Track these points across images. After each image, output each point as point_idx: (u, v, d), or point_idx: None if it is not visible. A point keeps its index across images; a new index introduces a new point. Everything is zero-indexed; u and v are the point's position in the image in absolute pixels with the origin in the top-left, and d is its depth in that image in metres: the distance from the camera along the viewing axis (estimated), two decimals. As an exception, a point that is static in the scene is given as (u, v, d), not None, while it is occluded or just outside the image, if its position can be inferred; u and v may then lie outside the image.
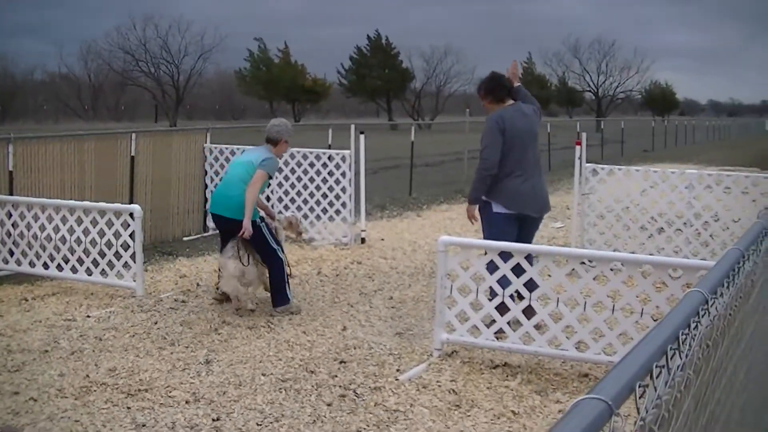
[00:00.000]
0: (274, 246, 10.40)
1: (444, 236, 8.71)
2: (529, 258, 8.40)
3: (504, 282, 8.31)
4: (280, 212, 15.27)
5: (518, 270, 8.22)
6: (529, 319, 8.23)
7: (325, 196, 15.41)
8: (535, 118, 9.87)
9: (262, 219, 10.42)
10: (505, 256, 8.31)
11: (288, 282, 10.47)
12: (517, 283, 8.24)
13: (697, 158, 43.60)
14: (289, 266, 10.56)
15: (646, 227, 13.18)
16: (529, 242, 9.57)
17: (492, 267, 8.35)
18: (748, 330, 4.04)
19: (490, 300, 8.44)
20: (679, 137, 66.16)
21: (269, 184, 14.42)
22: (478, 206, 9.76)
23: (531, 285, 8.23)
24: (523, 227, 9.66)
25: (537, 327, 8.31)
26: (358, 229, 15.41)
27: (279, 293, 10.36)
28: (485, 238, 9.46)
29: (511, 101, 9.79)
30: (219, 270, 10.62)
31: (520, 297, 8.30)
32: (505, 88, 9.84)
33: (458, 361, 8.47)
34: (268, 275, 10.46)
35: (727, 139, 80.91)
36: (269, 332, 9.54)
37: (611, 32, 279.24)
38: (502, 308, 8.39)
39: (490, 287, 8.41)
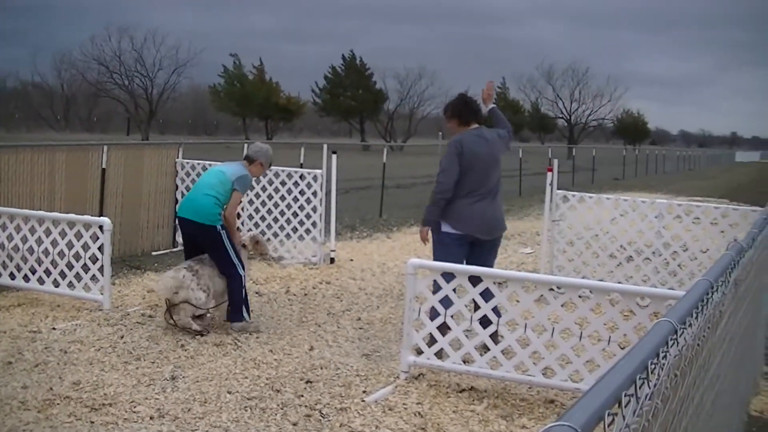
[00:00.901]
0: (235, 260, 10.35)
1: (413, 259, 8.70)
2: (474, 280, 8.35)
3: (447, 303, 8.36)
4: (249, 230, 15.25)
5: (478, 293, 8.27)
6: (496, 344, 8.23)
7: (295, 214, 15.39)
8: (499, 144, 9.83)
9: (223, 227, 10.39)
10: (448, 276, 8.35)
11: (246, 300, 10.43)
12: (486, 308, 8.26)
13: (667, 188, 43.89)
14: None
15: (615, 255, 13.24)
16: (489, 266, 9.51)
17: (437, 287, 8.40)
18: (715, 360, 4.06)
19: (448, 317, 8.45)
20: (650, 166, 66.62)
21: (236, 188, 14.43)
22: (430, 228, 9.73)
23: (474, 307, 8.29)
24: (475, 250, 9.66)
25: (504, 352, 8.31)
26: (327, 249, 15.39)
27: (234, 310, 10.29)
28: (434, 257, 9.47)
29: (476, 125, 9.79)
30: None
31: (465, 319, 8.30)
32: (472, 111, 9.84)
33: (425, 384, 8.45)
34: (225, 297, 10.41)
35: (697, 170, 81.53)
36: (236, 350, 9.49)
37: (585, 59, 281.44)
38: (443, 328, 8.44)
39: (432, 307, 8.45)
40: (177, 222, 10.96)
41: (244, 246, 10.94)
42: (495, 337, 8.30)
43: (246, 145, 20.12)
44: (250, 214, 15.74)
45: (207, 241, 10.35)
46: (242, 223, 15.50)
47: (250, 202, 15.73)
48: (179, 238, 15.84)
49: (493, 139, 9.76)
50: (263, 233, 15.38)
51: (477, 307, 8.34)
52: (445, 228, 9.54)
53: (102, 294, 11.01)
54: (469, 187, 9.45)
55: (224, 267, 10.32)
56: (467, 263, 9.37)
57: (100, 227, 11.01)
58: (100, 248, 10.99)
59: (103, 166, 14.92)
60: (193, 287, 10.02)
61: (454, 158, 9.47)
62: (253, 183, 15.13)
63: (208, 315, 10.28)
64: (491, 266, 9.59)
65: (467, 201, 9.45)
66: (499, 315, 8.27)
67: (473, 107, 9.90)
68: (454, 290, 8.39)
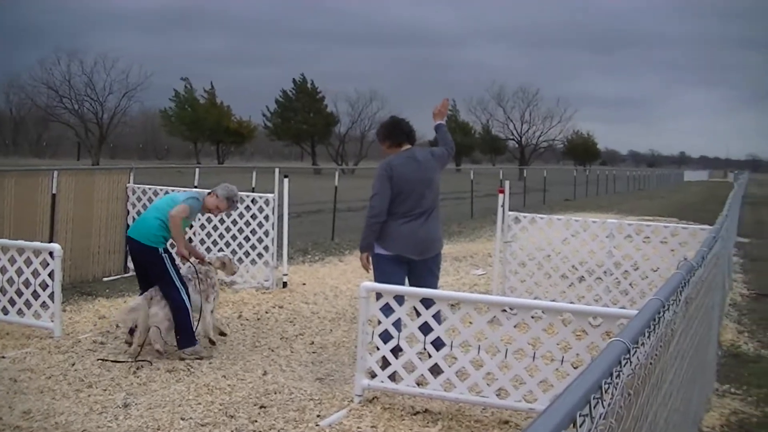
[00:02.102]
0: (177, 283, 10.29)
1: (366, 282, 8.69)
2: (426, 303, 8.36)
3: (398, 326, 8.42)
4: (221, 250, 15.17)
5: (431, 315, 8.32)
6: (444, 368, 8.24)
7: (247, 239, 15.34)
8: (432, 163, 9.73)
9: (166, 251, 10.35)
10: (399, 300, 8.38)
11: (191, 323, 10.36)
12: (439, 330, 8.27)
13: (617, 208, 44.28)
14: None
15: (567, 275, 13.31)
16: (431, 286, 9.48)
17: (387, 311, 8.41)
18: (668, 377, 4.08)
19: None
20: (601, 187, 67.12)
21: (191, 226, 14.38)
22: (368, 254, 9.69)
23: (426, 329, 8.29)
24: (413, 271, 9.64)
25: (458, 374, 8.30)
26: (280, 273, 15.35)
27: (182, 333, 10.21)
28: (374, 280, 9.43)
29: (408, 146, 9.76)
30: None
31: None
32: (402, 133, 9.81)
33: (379, 407, 8.43)
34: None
35: (647, 190, 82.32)
36: (188, 376, 9.43)
37: (535, 81, 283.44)
38: (396, 351, 8.47)
39: (385, 330, 8.47)
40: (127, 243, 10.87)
41: (209, 263, 10.94)
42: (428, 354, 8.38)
43: (197, 170, 20.13)
44: (202, 239, 15.67)
45: (148, 262, 10.32)
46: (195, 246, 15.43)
47: (202, 226, 15.67)
48: (131, 264, 15.76)
49: (426, 160, 9.68)
50: (234, 262, 15.31)
51: (428, 329, 8.34)
52: (378, 249, 9.50)
53: (52, 321, 10.89)
54: (400, 209, 9.41)
55: (168, 291, 10.25)
56: (409, 285, 9.39)
57: (50, 253, 10.91)
58: (51, 275, 10.88)
59: (53, 192, 14.80)
60: (166, 311, 10.08)
61: (385, 181, 9.43)
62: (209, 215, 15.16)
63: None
64: (433, 287, 9.53)
65: (398, 222, 9.40)
66: (428, 332, 8.31)
67: (403, 129, 9.85)
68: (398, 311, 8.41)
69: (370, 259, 9.61)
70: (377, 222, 9.42)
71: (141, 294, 10.54)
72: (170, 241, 10.59)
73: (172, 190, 15.36)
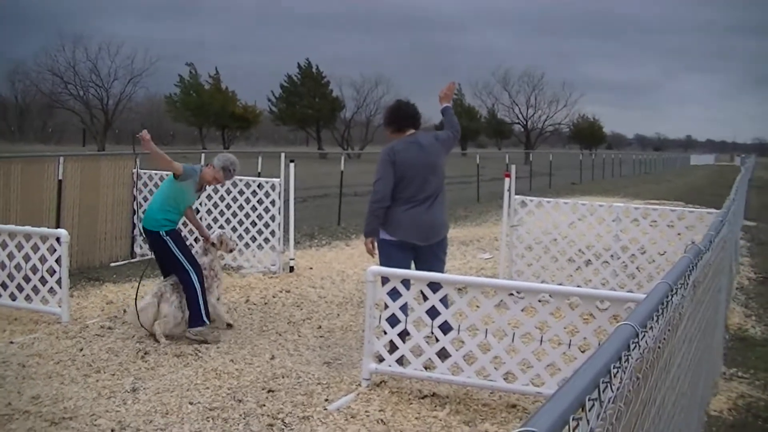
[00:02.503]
0: (186, 264, 10.31)
1: (373, 266, 8.70)
2: (433, 287, 8.39)
3: (404, 310, 8.42)
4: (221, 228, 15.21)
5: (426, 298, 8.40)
6: (451, 353, 8.25)
7: (254, 224, 15.36)
8: (436, 148, 9.67)
9: (167, 233, 10.36)
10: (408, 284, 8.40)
11: (205, 304, 10.37)
12: (446, 314, 8.29)
13: (624, 192, 44.24)
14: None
15: (574, 259, 13.30)
16: (437, 271, 9.41)
17: (394, 295, 8.42)
18: (676, 361, 4.09)
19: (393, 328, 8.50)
20: (607, 171, 67.07)
21: (198, 210, 14.43)
22: (373, 239, 9.67)
23: (433, 313, 8.31)
24: (419, 256, 9.63)
25: (465, 357, 8.31)
26: (286, 257, 15.35)
27: (193, 313, 10.24)
28: (380, 265, 9.42)
29: (412, 131, 9.68)
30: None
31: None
32: (406, 117, 9.73)
33: (387, 391, 8.45)
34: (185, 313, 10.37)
35: (653, 174, 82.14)
36: (196, 360, 9.45)
37: (540, 65, 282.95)
38: (403, 335, 8.50)
39: (392, 314, 8.48)
40: None
41: (213, 245, 10.96)
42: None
43: (203, 155, 20.13)
44: (209, 224, 15.68)
45: (155, 247, 10.38)
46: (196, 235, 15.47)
47: (209, 211, 15.70)
48: (137, 249, 15.82)
49: (430, 144, 9.61)
50: (232, 238, 15.33)
51: (435, 313, 8.35)
52: (383, 235, 9.49)
53: (60, 306, 10.91)
54: (404, 194, 9.38)
55: (176, 272, 10.30)
56: (415, 269, 9.39)
57: (57, 239, 10.93)
58: (58, 260, 10.90)
59: (60, 178, 14.81)
60: (176, 304, 10.12)
61: (388, 166, 9.40)
62: (211, 193, 15.17)
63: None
64: (440, 272, 9.52)
65: (402, 207, 9.38)
66: (435, 316, 8.35)
67: (407, 113, 9.77)
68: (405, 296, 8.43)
69: (375, 244, 9.61)
70: (380, 207, 9.39)
71: (163, 279, 10.61)
72: (180, 222, 10.62)
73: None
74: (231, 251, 11.73)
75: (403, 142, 9.55)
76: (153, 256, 10.98)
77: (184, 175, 10.51)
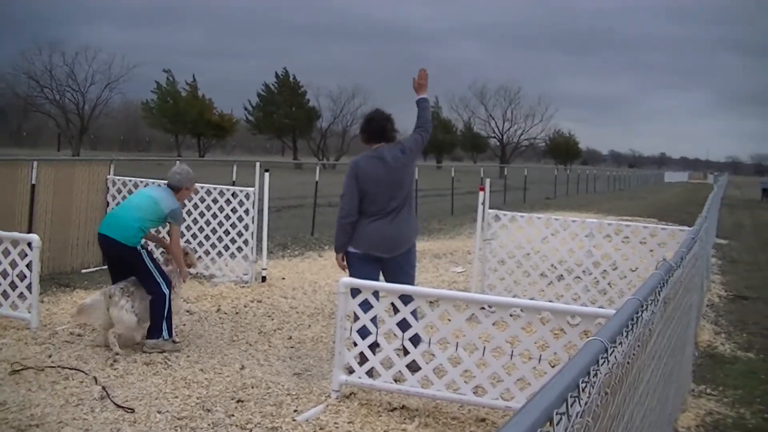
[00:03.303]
0: (158, 278, 10.27)
1: (345, 277, 8.69)
2: (405, 299, 8.40)
3: (375, 322, 8.46)
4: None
5: (396, 310, 8.49)
6: (418, 365, 8.24)
7: (227, 232, 15.32)
8: (401, 162, 9.56)
9: (143, 247, 10.33)
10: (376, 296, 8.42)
11: (169, 319, 10.30)
12: (417, 327, 8.29)
13: (597, 207, 44.44)
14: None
15: (546, 274, 13.33)
16: (406, 281, 9.43)
17: (365, 306, 8.41)
18: (645, 377, 4.10)
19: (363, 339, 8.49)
20: (581, 186, 67.42)
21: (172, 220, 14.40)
22: (343, 254, 9.67)
23: (404, 326, 8.32)
24: (385, 268, 9.63)
25: (436, 371, 8.31)
26: (259, 267, 15.31)
27: (153, 327, 10.18)
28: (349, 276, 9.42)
29: (382, 143, 9.63)
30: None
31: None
32: (373, 131, 9.67)
33: (356, 403, 8.43)
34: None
35: (627, 190, 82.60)
36: (166, 369, 9.40)
37: (516, 79, 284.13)
38: (374, 347, 8.51)
39: (363, 326, 8.48)
40: (98, 238, 10.58)
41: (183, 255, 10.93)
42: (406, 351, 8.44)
43: (178, 163, 20.08)
44: (182, 232, 15.62)
45: (128, 261, 10.25)
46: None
47: (183, 219, 15.64)
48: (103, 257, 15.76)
49: (394, 159, 9.52)
50: (194, 251, 15.29)
51: (406, 325, 8.34)
52: (349, 248, 9.53)
53: (29, 312, 10.82)
54: (369, 209, 9.40)
55: (149, 286, 10.23)
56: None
57: (29, 244, 10.85)
58: (28, 266, 10.82)
59: (33, 182, 14.72)
60: (127, 308, 9.95)
61: (352, 180, 9.43)
62: (185, 201, 15.14)
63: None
64: (408, 284, 9.49)
65: (366, 221, 9.41)
66: (405, 329, 8.35)
67: (378, 126, 9.71)
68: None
69: (346, 259, 9.63)
70: (347, 222, 9.43)
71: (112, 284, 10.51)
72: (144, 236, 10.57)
73: (153, 183, 15.32)
74: (191, 266, 11.62)
75: (367, 157, 9.55)
76: (106, 266, 10.91)
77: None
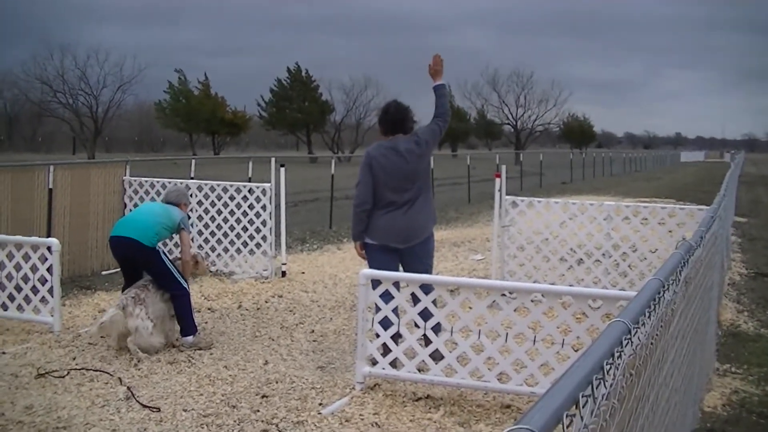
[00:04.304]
0: (178, 276, 10.34)
1: (365, 269, 8.70)
2: (425, 288, 8.41)
3: (396, 313, 8.49)
4: (199, 246, 15.22)
5: (416, 300, 8.52)
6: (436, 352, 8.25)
7: (245, 229, 15.33)
8: (416, 153, 9.55)
9: (162, 251, 10.41)
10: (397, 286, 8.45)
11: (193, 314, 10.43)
12: (439, 315, 8.29)
13: (614, 190, 44.29)
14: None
15: (566, 259, 13.30)
16: (423, 271, 9.44)
17: (386, 297, 8.43)
18: (669, 357, 4.09)
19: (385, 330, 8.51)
20: (597, 169, 67.17)
21: (189, 216, 14.45)
22: (361, 242, 9.69)
23: (425, 315, 8.32)
24: (402, 259, 9.65)
25: (459, 359, 8.31)
26: (278, 262, 15.33)
27: (186, 325, 10.27)
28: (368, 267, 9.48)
29: (399, 135, 9.64)
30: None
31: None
32: (389, 122, 9.68)
33: (381, 394, 8.44)
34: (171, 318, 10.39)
35: (644, 171, 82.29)
36: (190, 367, 9.43)
37: (528, 65, 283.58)
38: (396, 338, 8.53)
39: (385, 317, 8.52)
40: (110, 242, 10.59)
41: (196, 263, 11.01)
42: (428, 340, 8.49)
43: (193, 162, 20.13)
44: (200, 230, 15.67)
45: (147, 261, 10.29)
46: (192, 239, 15.47)
47: (199, 217, 15.66)
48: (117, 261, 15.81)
49: (408, 151, 9.51)
50: (213, 249, 15.32)
51: (428, 315, 8.35)
52: (366, 239, 9.58)
53: (52, 316, 10.87)
54: (382, 200, 9.46)
55: (169, 286, 10.28)
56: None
57: (49, 248, 10.90)
58: (49, 269, 10.86)
59: (50, 186, 14.77)
60: (142, 316, 9.95)
61: (366, 169, 9.49)
62: (202, 198, 15.19)
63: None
64: (427, 273, 9.53)
65: (380, 212, 9.46)
66: (427, 319, 8.40)
67: (395, 117, 9.72)
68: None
69: (364, 248, 9.66)
70: (363, 210, 9.47)
71: (125, 288, 10.60)
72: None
73: (169, 182, 15.37)
74: (202, 274, 11.72)
75: (382, 147, 9.57)
76: (120, 269, 10.96)
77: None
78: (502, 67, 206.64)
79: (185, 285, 10.38)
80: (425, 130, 9.78)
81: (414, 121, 9.91)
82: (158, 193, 15.47)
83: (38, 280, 10.98)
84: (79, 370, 9.16)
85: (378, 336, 8.58)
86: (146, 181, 16.05)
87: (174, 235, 11.45)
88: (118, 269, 15.14)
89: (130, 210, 15.71)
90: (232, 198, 15.41)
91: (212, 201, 15.56)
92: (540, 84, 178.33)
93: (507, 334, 8.00)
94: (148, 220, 10.37)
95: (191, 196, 15.25)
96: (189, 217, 11.62)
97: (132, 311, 9.93)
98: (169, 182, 15.53)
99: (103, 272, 15.62)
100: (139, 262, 10.40)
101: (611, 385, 2.37)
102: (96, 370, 9.14)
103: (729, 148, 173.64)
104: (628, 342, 2.67)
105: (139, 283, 10.30)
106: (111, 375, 8.99)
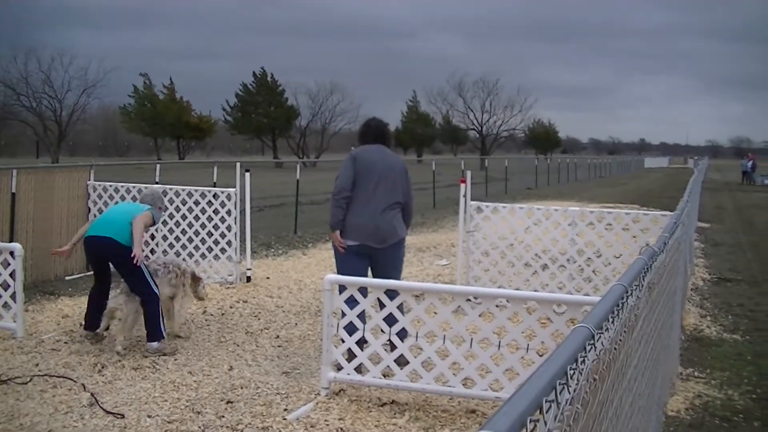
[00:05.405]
0: (150, 280, 10.33)
1: (330, 274, 8.71)
2: (390, 294, 8.42)
3: (362, 318, 8.46)
4: (164, 251, 15.16)
5: (382, 306, 8.52)
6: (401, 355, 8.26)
7: (210, 234, 15.27)
8: (399, 164, 9.94)
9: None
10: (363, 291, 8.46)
11: (163, 319, 10.39)
12: (404, 321, 8.30)
13: (579, 196, 44.52)
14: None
15: (531, 264, 13.35)
16: (394, 276, 9.57)
17: (351, 303, 8.45)
18: (632, 362, 4.11)
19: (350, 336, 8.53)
20: (562, 175, 67.44)
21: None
22: (339, 231, 9.69)
23: (391, 321, 8.35)
24: (374, 262, 9.71)
25: (424, 364, 8.32)
26: (243, 267, 15.30)
27: (153, 330, 10.22)
28: (336, 270, 9.56)
29: (379, 145, 9.99)
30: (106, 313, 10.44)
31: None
32: (373, 136, 10.05)
33: (346, 400, 8.44)
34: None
35: (608, 177, 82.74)
36: (154, 373, 9.38)
37: (494, 71, 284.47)
38: (361, 343, 8.56)
39: (350, 322, 8.52)
40: (86, 242, 10.62)
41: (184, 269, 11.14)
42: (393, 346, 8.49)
43: (158, 166, 20.04)
44: (165, 235, 15.61)
45: (123, 262, 10.25)
46: (156, 244, 15.41)
47: (164, 222, 15.58)
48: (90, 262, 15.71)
49: (393, 157, 9.98)
50: (178, 254, 15.24)
51: (393, 320, 8.36)
52: (345, 240, 9.58)
53: (15, 321, 10.79)
54: (361, 195, 9.54)
55: (141, 287, 10.25)
56: (373, 276, 9.47)
57: (11, 253, 10.82)
58: (12, 275, 10.79)
59: (13, 191, 14.64)
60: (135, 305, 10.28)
61: (349, 164, 9.64)
62: (167, 203, 15.10)
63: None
64: (395, 279, 9.56)
65: (358, 210, 9.52)
66: (392, 323, 8.40)
67: (375, 130, 10.12)
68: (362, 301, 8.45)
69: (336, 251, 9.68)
70: (342, 197, 9.53)
71: (97, 288, 10.74)
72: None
73: (134, 187, 15.32)
74: (200, 299, 12.03)
75: (369, 147, 9.87)
76: (92, 271, 10.98)
77: (153, 223, 11.12)
78: (468, 74, 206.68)
79: (156, 290, 10.35)
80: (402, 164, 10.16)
81: (392, 137, 10.15)
82: (122, 198, 15.41)
83: (1, 285, 10.90)
84: (42, 376, 9.09)
85: (343, 341, 8.59)
86: (110, 186, 15.95)
87: (152, 237, 11.34)
88: (82, 274, 15.14)
89: (95, 215, 15.62)
90: (196, 203, 15.35)
91: (177, 206, 15.48)
92: (506, 90, 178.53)
93: (472, 339, 8.02)
94: (124, 220, 10.36)
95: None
96: (167, 208, 11.64)
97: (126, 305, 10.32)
98: (134, 187, 15.47)
99: (67, 277, 15.51)
100: (114, 262, 10.39)
101: (575, 390, 2.38)
102: (59, 377, 9.08)
103: (693, 155, 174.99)
104: (591, 347, 2.68)
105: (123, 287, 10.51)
106: (74, 381, 8.94)
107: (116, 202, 15.37)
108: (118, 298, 10.32)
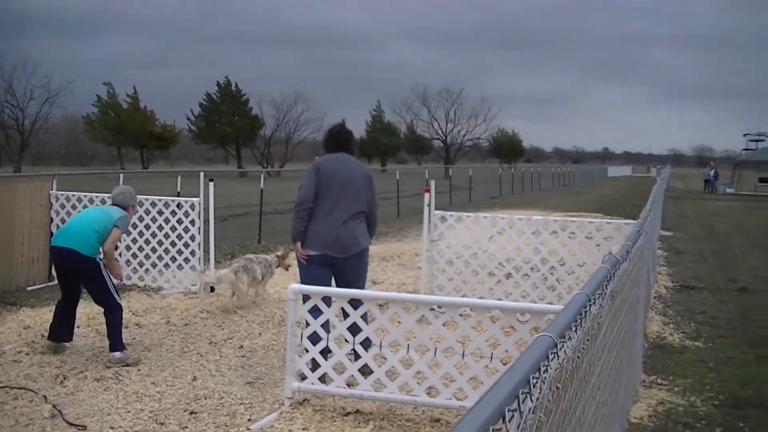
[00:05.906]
0: (113, 291, 10.27)
1: (294, 284, 8.68)
2: (354, 303, 8.41)
3: (326, 328, 8.44)
4: (127, 261, 15.08)
5: (346, 315, 8.46)
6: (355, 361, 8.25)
7: (173, 244, 15.20)
8: (362, 172, 9.91)
9: (101, 260, 10.31)
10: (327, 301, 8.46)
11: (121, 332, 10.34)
12: (368, 330, 8.30)
13: (543, 204, 44.65)
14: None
15: (494, 273, 13.38)
16: (357, 286, 9.56)
17: (315, 312, 8.46)
18: (595, 371, 4.12)
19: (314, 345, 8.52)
20: (526, 184, 67.70)
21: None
22: (301, 242, 9.68)
23: (355, 330, 8.35)
24: (337, 272, 9.70)
25: (388, 373, 8.31)
26: (207, 277, 15.23)
27: (116, 341, 10.15)
28: (300, 280, 9.54)
29: (343, 153, 9.97)
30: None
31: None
32: (336, 143, 10.03)
33: (310, 410, 8.41)
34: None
35: (572, 186, 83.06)
36: (117, 384, 9.32)
37: (458, 80, 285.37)
38: (325, 353, 8.54)
39: (314, 332, 8.52)
40: (51, 253, 10.62)
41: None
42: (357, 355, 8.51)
43: (122, 176, 19.93)
44: (128, 245, 15.53)
45: (86, 272, 10.20)
46: (119, 254, 15.31)
47: (127, 232, 15.49)
48: (54, 271, 15.58)
49: (357, 166, 9.93)
50: (141, 264, 15.16)
51: (357, 330, 8.37)
52: (303, 249, 9.56)
53: (-25, 332, 10.70)
54: (322, 205, 9.54)
55: (103, 297, 10.20)
56: (336, 286, 9.47)
57: (-28, 263, 10.73)
58: (-28, 285, 10.70)
59: (-27, 201, 14.53)
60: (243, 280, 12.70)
61: (311, 174, 9.62)
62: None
63: None
64: (360, 288, 9.56)
65: (321, 220, 9.51)
66: (356, 333, 8.42)
67: (338, 136, 10.08)
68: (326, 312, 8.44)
69: (301, 248, 9.66)
70: (304, 209, 9.52)
71: (64, 298, 10.58)
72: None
73: (96, 197, 15.23)
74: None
75: (332, 156, 9.87)
76: (57, 281, 10.90)
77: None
78: (433, 84, 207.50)
79: (119, 301, 10.31)
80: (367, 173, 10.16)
81: (356, 143, 10.12)
82: (85, 207, 15.30)
83: (-39, 296, 10.81)
84: (3, 388, 9.01)
85: (307, 351, 8.58)
86: (73, 195, 15.84)
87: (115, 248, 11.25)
88: (44, 285, 15.04)
89: (57, 225, 15.51)
90: (160, 212, 15.28)
91: (140, 216, 15.40)
92: (470, 100, 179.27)
93: (436, 348, 8.02)
94: (87, 228, 10.28)
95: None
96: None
97: (241, 277, 13.18)
98: (97, 196, 15.39)
99: (29, 288, 15.38)
100: (77, 273, 10.30)
101: (537, 399, 2.38)
102: (20, 388, 8.99)
103: (656, 163, 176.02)
104: (554, 356, 2.68)
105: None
106: (36, 393, 8.86)
107: (79, 212, 15.27)
108: (227, 276, 13.04)
